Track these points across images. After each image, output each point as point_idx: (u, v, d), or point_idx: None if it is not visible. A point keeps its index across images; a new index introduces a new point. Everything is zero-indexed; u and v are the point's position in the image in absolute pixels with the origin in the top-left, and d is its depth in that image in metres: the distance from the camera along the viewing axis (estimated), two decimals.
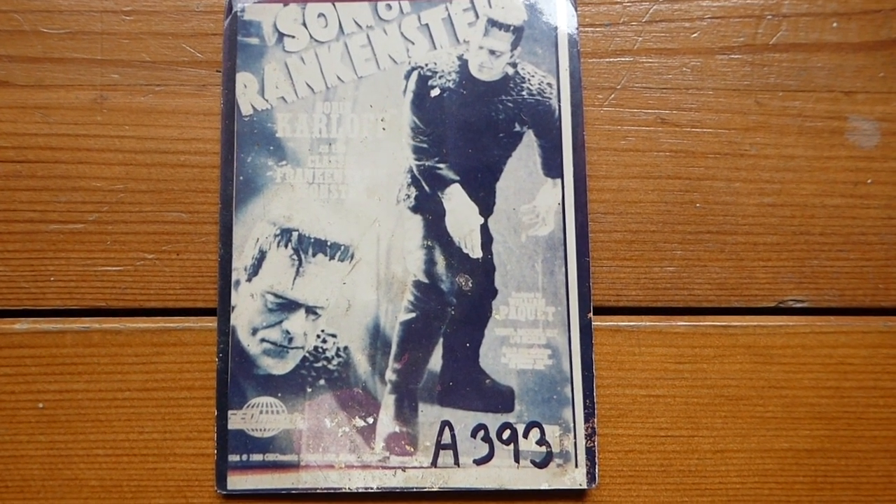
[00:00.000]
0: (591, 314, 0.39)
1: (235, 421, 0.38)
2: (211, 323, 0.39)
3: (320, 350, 0.39)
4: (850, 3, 0.42)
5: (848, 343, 0.40)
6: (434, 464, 0.38)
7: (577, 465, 0.38)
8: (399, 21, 0.41)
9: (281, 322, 0.39)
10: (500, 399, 0.38)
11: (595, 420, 0.38)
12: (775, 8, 0.42)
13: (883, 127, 0.41)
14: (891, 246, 0.41)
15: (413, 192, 0.40)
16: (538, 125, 0.40)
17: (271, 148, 0.40)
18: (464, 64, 0.40)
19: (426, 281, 0.39)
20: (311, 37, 0.41)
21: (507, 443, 0.38)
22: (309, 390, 0.38)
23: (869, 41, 0.42)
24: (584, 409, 0.38)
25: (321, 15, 0.41)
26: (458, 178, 0.40)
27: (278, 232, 0.39)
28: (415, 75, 0.40)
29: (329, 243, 0.39)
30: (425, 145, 0.40)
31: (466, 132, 0.40)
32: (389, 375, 0.38)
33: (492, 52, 0.41)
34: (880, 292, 0.40)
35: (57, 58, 0.41)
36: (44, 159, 0.40)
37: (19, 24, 0.41)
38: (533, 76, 0.40)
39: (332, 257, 0.39)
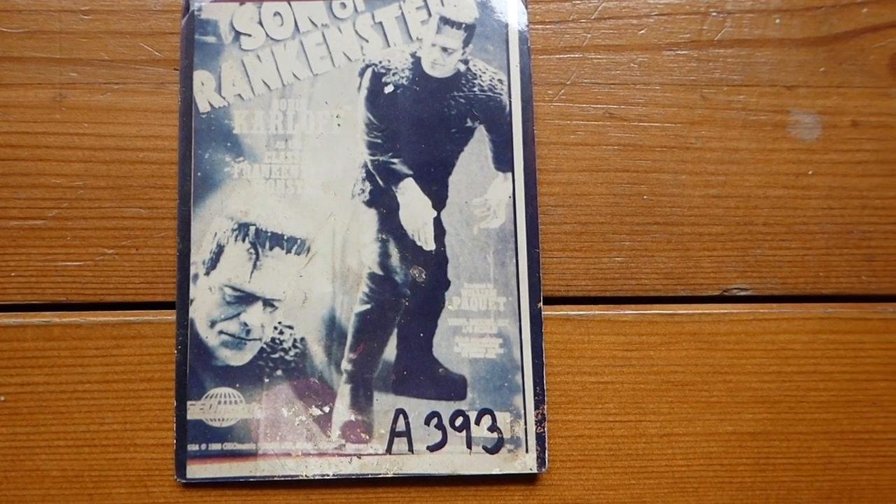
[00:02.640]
0: (541, 304, 0.40)
1: (194, 411, 0.39)
2: (170, 316, 0.40)
3: (277, 341, 0.39)
4: (793, 0, 0.43)
5: (789, 329, 0.41)
6: (389, 451, 0.39)
7: (527, 451, 0.39)
8: (353, 19, 0.42)
9: (239, 314, 0.40)
10: (452, 387, 0.39)
11: (545, 406, 0.39)
12: (720, 5, 0.43)
13: (823, 120, 0.43)
14: (831, 235, 0.42)
15: (368, 186, 0.41)
16: (489, 120, 0.41)
17: (228, 144, 0.41)
18: (417, 61, 0.41)
19: (381, 273, 0.40)
20: (268, 35, 0.42)
21: (459, 429, 0.39)
22: (266, 381, 0.39)
23: (811, 37, 0.43)
24: (535, 395, 0.39)
25: (277, 14, 0.42)
26: (411, 172, 0.41)
27: (236, 226, 0.40)
28: (369, 72, 0.41)
29: (286, 237, 0.40)
30: (379, 141, 0.41)
31: (419, 128, 0.41)
32: (345, 365, 0.39)
33: (444, 50, 0.42)
34: (821, 280, 0.42)
35: (16, 57, 0.42)
36: (3, 157, 0.41)
37: None
38: (484, 73, 0.41)
39: (288, 251, 0.40)
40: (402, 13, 0.42)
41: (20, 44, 0.42)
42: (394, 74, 0.41)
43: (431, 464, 0.39)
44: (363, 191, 0.41)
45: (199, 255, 0.40)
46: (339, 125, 0.41)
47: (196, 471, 0.39)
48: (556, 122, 0.42)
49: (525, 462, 0.39)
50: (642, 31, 0.43)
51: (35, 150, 0.41)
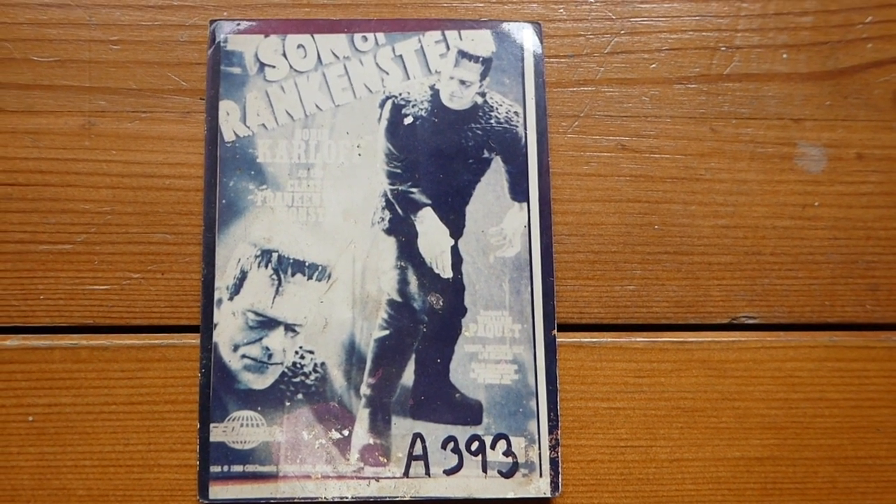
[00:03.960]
0: (555, 331, 0.41)
1: (217, 433, 0.40)
2: (194, 340, 0.41)
3: (298, 366, 0.40)
4: (800, 35, 0.45)
5: (796, 357, 0.42)
6: (406, 474, 0.40)
7: (541, 475, 0.40)
8: (374, 52, 0.43)
9: (261, 339, 0.41)
10: (469, 412, 0.40)
11: (559, 431, 0.40)
12: (729, 40, 0.44)
13: (829, 153, 0.44)
14: (836, 265, 0.43)
15: (387, 214, 0.42)
16: (505, 151, 0.42)
17: (252, 172, 0.42)
18: (435, 93, 0.43)
19: (399, 300, 0.41)
20: (291, 67, 0.43)
21: (475, 454, 0.40)
22: (287, 404, 0.40)
23: (817, 71, 0.44)
24: (549, 421, 0.40)
25: (300, 46, 0.43)
26: (429, 201, 0.42)
27: (259, 253, 0.41)
28: (389, 104, 0.43)
29: (307, 264, 0.41)
30: (399, 170, 0.42)
31: (438, 158, 0.42)
32: (364, 390, 0.40)
33: (462, 82, 0.43)
34: (826, 309, 0.43)
35: (46, 85, 0.43)
36: (34, 182, 0.42)
37: (10, 52, 0.43)
38: (501, 105, 0.43)
39: (310, 277, 0.41)
40: (422, 46, 0.43)
41: (51, 72, 0.43)
42: (413, 106, 0.43)
43: (448, 487, 0.40)
44: (383, 219, 0.42)
45: (223, 280, 0.41)
46: (359, 155, 0.42)
47: (218, 492, 0.40)
48: (570, 153, 0.43)
49: (539, 486, 0.40)
50: (653, 66, 0.44)
51: (64, 176, 0.42)
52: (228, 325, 0.41)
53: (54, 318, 0.41)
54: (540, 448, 0.40)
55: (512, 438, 0.40)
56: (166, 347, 0.41)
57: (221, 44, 0.43)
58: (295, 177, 0.42)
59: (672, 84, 0.44)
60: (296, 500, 0.40)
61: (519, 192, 0.42)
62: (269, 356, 0.40)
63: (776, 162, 0.44)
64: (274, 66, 0.43)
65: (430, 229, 0.42)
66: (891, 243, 0.43)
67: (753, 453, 0.42)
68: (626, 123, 0.44)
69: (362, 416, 0.40)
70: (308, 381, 0.40)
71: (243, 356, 0.40)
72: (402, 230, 0.42)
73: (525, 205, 0.42)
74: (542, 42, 0.43)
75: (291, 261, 0.41)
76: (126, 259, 0.42)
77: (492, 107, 0.43)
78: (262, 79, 0.42)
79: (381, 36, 0.43)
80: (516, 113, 0.43)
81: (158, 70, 0.43)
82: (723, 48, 0.44)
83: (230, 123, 0.42)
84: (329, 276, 0.41)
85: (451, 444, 0.40)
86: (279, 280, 0.41)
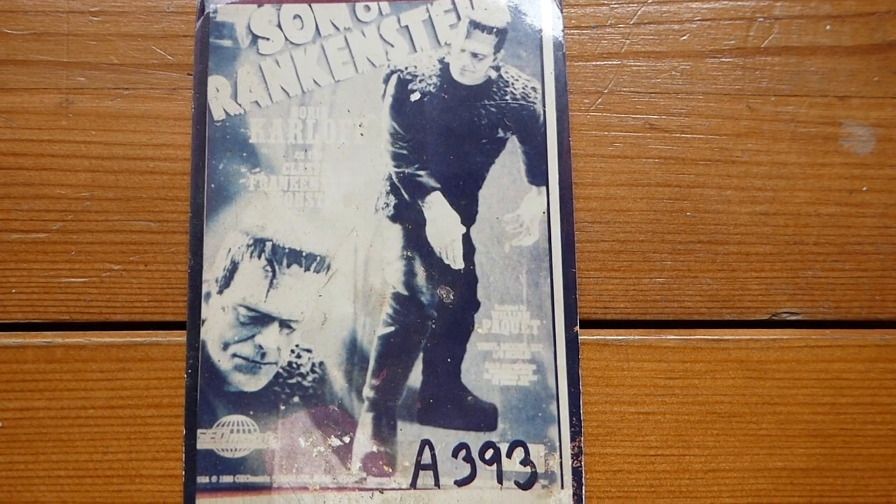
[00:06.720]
0: (577, 328, 0.37)
1: (205, 440, 0.36)
2: (180, 337, 0.38)
3: (294, 366, 0.37)
4: (844, 5, 0.41)
5: (844, 357, 0.39)
6: (413, 485, 0.36)
7: (563, 487, 0.36)
8: (378, 23, 0.39)
9: (253, 336, 0.37)
10: (482, 417, 0.37)
11: (582, 439, 0.37)
12: (767, 10, 0.41)
13: (878, 133, 0.40)
14: (887, 256, 0.39)
15: (392, 200, 0.38)
16: (522, 131, 0.39)
17: (244, 154, 0.38)
18: (445, 67, 0.39)
19: (406, 293, 0.38)
20: (287, 39, 0.39)
21: (489, 463, 0.37)
22: (282, 408, 0.37)
23: (863, 45, 0.41)
24: (571, 427, 0.37)
25: (297, 16, 0.39)
26: (439, 185, 0.38)
27: (251, 242, 0.38)
28: (394, 79, 0.39)
29: (304, 254, 0.38)
30: (405, 151, 0.39)
31: (448, 138, 0.39)
32: (367, 392, 0.37)
33: (474, 55, 0.39)
34: (877, 304, 0.39)
35: (21, 60, 0.40)
36: (6, 165, 0.39)
37: None
38: (517, 80, 0.39)
39: (307, 268, 0.38)
40: (430, 16, 0.39)
41: (25, 46, 0.40)
42: (420, 81, 0.39)
43: (459, 500, 0.36)
44: (387, 205, 0.38)
45: (212, 272, 0.38)
46: (362, 135, 0.39)
47: None
48: (593, 132, 0.40)
49: (560, 499, 0.36)
50: (684, 37, 0.40)
51: (39, 158, 0.39)
52: (218, 322, 0.37)
53: (27, 314, 0.38)
54: (561, 457, 0.36)
55: (530, 446, 0.37)
56: (149, 346, 0.38)
57: (211, 14, 0.39)
58: (291, 159, 0.38)
59: (705, 58, 0.40)
60: None
61: (537, 174, 0.38)
62: (263, 355, 0.37)
63: (820, 143, 0.40)
64: (268, 39, 0.39)
65: (440, 216, 0.38)
66: None
67: (797, 464, 0.38)
68: (655, 100, 0.40)
69: (365, 421, 0.37)
70: (305, 383, 0.37)
71: (234, 355, 0.37)
72: (408, 217, 0.38)
73: (544, 189, 0.38)
74: (561, 11, 0.40)
75: (287, 250, 0.38)
76: (106, 249, 0.39)
77: (507, 82, 0.39)
78: (254, 52, 0.39)
79: (385, 5, 0.39)
80: (534, 88, 0.39)
81: (142, 43, 0.40)
82: (760, 19, 0.41)
83: (220, 101, 0.39)
84: (328, 268, 0.38)
85: (463, 452, 0.36)
86: (273, 272, 0.38)
